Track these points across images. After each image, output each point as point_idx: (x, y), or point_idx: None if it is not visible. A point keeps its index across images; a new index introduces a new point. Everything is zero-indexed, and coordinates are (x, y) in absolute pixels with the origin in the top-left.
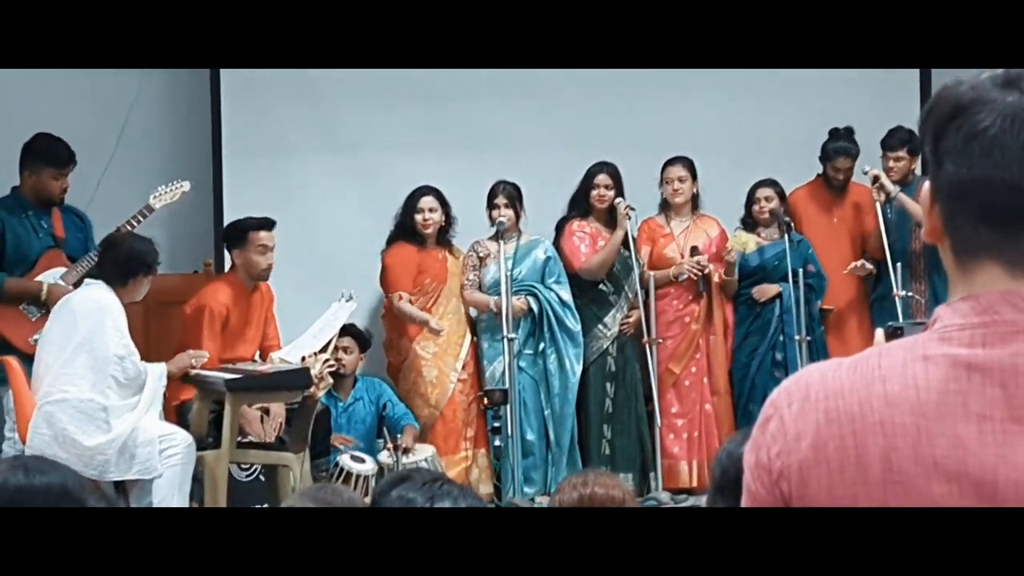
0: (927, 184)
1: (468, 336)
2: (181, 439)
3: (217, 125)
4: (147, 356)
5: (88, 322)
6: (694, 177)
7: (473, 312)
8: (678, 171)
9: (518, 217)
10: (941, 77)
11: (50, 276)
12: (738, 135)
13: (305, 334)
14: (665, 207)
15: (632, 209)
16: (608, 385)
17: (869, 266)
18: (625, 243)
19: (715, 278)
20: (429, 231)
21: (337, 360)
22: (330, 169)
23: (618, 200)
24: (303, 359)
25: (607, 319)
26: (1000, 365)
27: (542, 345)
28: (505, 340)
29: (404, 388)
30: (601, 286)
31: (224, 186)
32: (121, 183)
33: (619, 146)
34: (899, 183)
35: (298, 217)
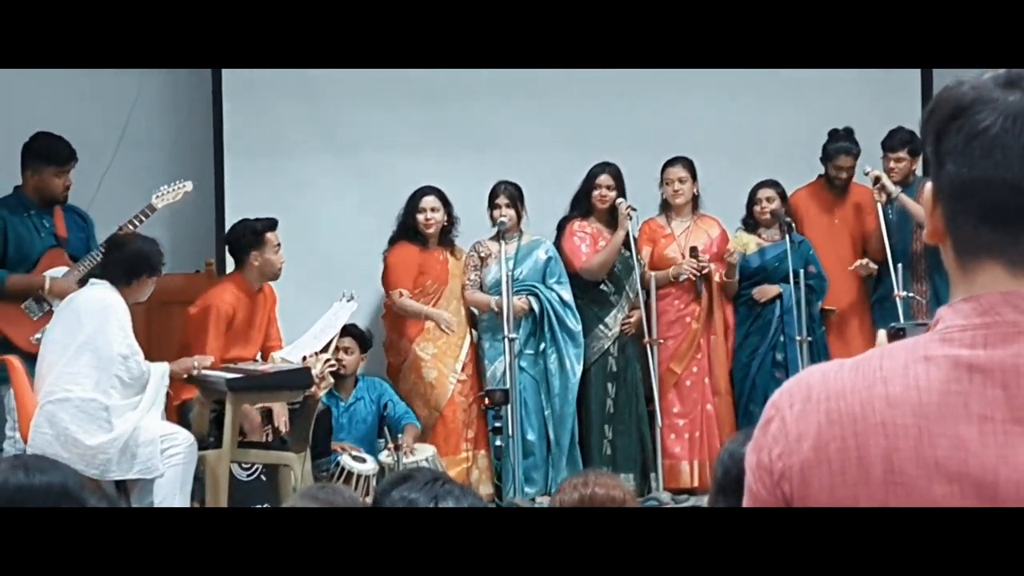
0: (929, 185)
1: (468, 337)
2: (183, 439)
3: (218, 125)
4: (148, 355)
5: (93, 321)
6: (694, 177)
7: (475, 312)
8: (678, 171)
9: (519, 217)
10: (942, 77)
11: (52, 276)
12: (738, 135)
13: (306, 334)
14: (666, 207)
15: (633, 209)
16: (609, 385)
17: (873, 265)
18: (626, 243)
19: (716, 278)
20: (431, 231)
21: (338, 360)
22: (331, 169)
23: (619, 200)
24: (304, 359)
25: (608, 319)
26: (1001, 366)
27: (543, 345)
28: (506, 340)
29: (404, 389)
30: (602, 286)
31: (225, 186)
32: (122, 183)
33: (619, 146)
34: (900, 184)
35: (299, 217)
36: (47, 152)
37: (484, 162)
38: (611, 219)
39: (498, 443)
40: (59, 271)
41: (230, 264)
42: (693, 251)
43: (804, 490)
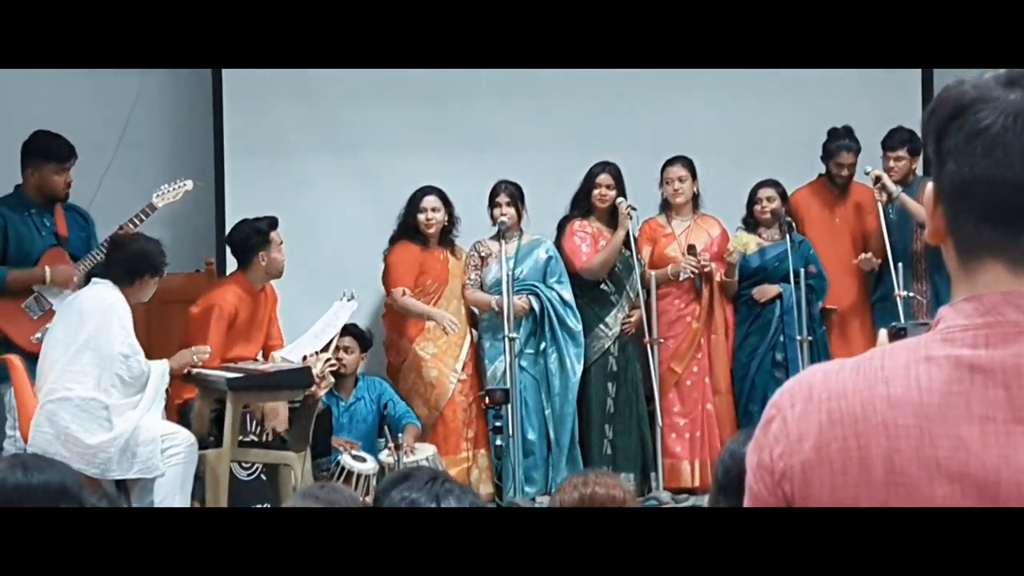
0: (930, 185)
1: (468, 337)
2: (183, 438)
3: (219, 125)
4: (148, 355)
5: (94, 320)
6: (694, 177)
7: (475, 311)
8: (678, 171)
9: (520, 216)
10: (942, 77)
11: None
12: (738, 135)
13: (307, 333)
14: (666, 207)
15: (633, 209)
16: (609, 385)
17: (876, 260)
18: (626, 243)
19: (716, 277)
20: (432, 231)
21: (338, 360)
22: (331, 169)
23: (619, 200)
24: (304, 358)
25: (608, 319)
26: (1003, 366)
27: (543, 345)
28: (506, 340)
29: (404, 388)
30: (602, 286)
31: (226, 186)
32: (123, 183)
33: (619, 146)
34: (900, 183)
35: (299, 217)
36: (47, 149)
37: (484, 162)
38: (611, 219)
39: (498, 443)
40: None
41: (230, 264)
42: (691, 249)
43: (805, 490)
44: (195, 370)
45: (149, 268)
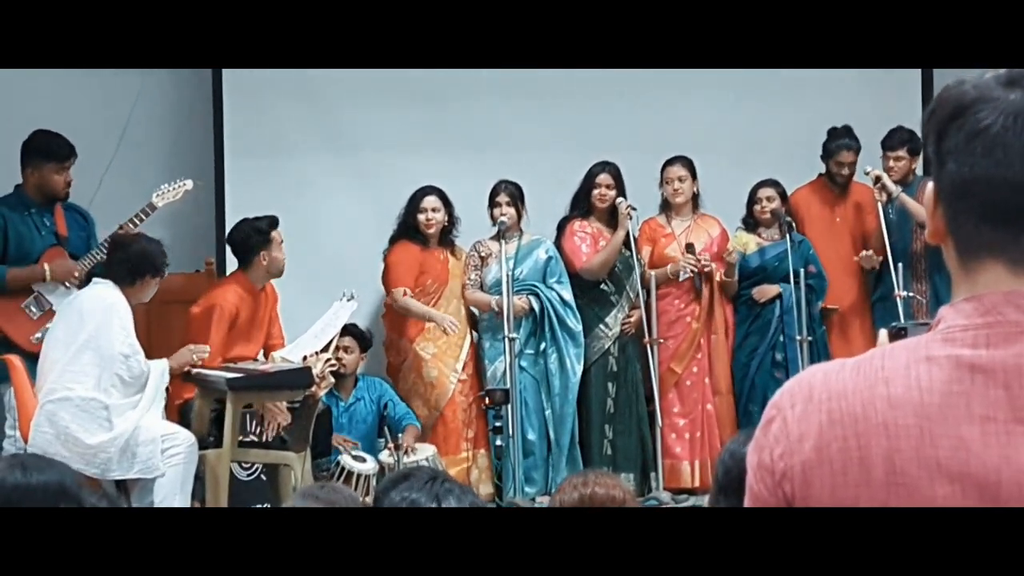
0: (931, 185)
1: (468, 337)
2: (183, 438)
3: (219, 125)
4: (148, 355)
5: (95, 320)
6: (694, 176)
7: (475, 311)
8: (678, 171)
9: (520, 216)
10: (942, 77)
11: None
12: (738, 135)
13: (306, 333)
14: (666, 207)
15: (633, 209)
16: (609, 385)
17: (877, 257)
18: (626, 243)
19: (716, 277)
20: (432, 231)
21: (338, 360)
22: (331, 169)
23: (619, 200)
24: (304, 358)
25: (608, 319)
26: (1004, 366)
27: (543, 345)
28: (506, 340)
29: (404, 388)
30: (602, 286)
31: (226, 186)
32: (123, 182)
33: (619, 146)
34: (899, 183)
35: (299, 216)
36: (46, 148)
37: (484, 162)
38: (611, 219)
39: (498, 443)
40: None
41: (230, 264)
42: (689, 247)
43: (805, 490)
44: (195, 370)
45: (150, 268)
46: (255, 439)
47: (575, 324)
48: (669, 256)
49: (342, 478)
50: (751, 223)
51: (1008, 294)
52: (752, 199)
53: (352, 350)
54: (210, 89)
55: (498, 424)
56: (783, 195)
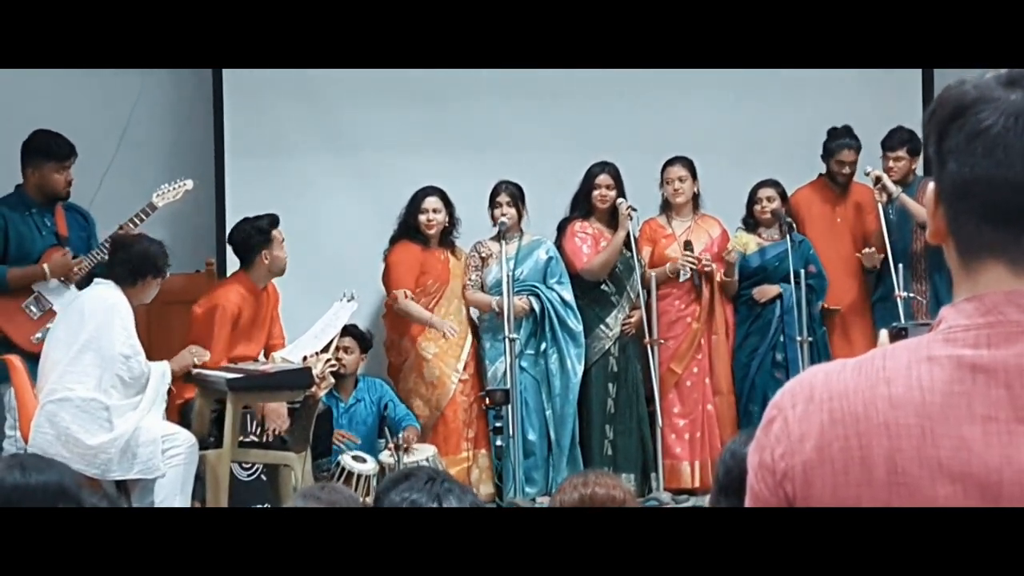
0: (931, 185)
1: (469, 336)
2: (184, 439)
3: (219, 125)
4: (149, 355)
5: (95, 320)
6: (694, 177)
7: (475, 312)
8: (678, 171)
9: (520, 217)
10: (943, 77)
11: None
12: (738, 135)
13: (307, 334)
14: (666, 207)
15: (634, 209)
16: (610, 385)
17: (879, 255)
18: (627, 243)
19: (716, 277)
20: (433, 232)
21: (338, 360)
22: (331, 169)
23: (620, 200)
24: (305, 359)
25: (609, 319)
26: (1005, 366)
27: (544, 345)
28: (507, 340)
29: (405, 389)
30: (603, 286)
31: (226, 186)
32: (123, 182)
33: (619, 146)
34: (899, 183)
35: (300, 216)
36: (46, 148)
37: (484, 162)
38: (612, 219)
39: (498, 443)
40: None
41: (231, 264)
42: (687, 245)
43: (807, 490)
44: (195, 370)
45: (152, 269)
46: (255, 439)
47: (576, 324)
48: (669, 256)
49: (342, 478)
50: (751, 223)
51: (1009, 294)
52: (752, 199)
53: (352, 351)
54: (210, 89)
55: (498, 424)
56: (783, 195)
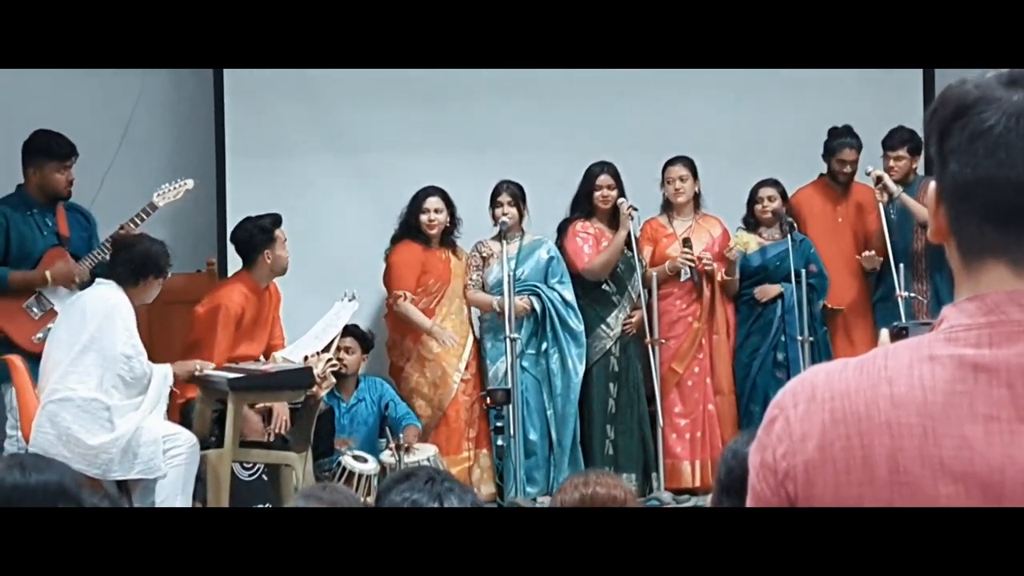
0: (933, 184)
1: (471, 336)
2: (185, 439)
3: (220, 125)
4: (150, 355)
5: (97, 320)
6: (695, 176)
7: (476, 312)
8: (679, 171)
9: (521, 217)
10: (944, 77)
11: None
12: (739, 135)
13: (307, 334)
14: (667, 207)
15: (635, 209)
16: (611, 385)
17: (879, 258)
18: (628, 243)
19: (717, 277)
20: (434, 232)
21: (339, 360)
22: (331, 169)
23: (620, 200)
24: (306, 358)
25: (610, 319)
26: (1007, 365)
27: (545, 345)
28: (508, 340)
29: (407, 389)
30: (604, 286)
31: (227, 186)
32: (124, 182)
33: (619, 146)
34: (900, 182)
35: (300, 216)
36: (47, 148)
37: (484, 162)
38: (613, 219)
39: (500, 443)
40: None
41: (231, 264)
42: (686, 242)
43: (808, 490)
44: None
45: (154, 269)
46: (257, 438)
47: (577, 324)
48: (670, 256)
49: (343, 478)
50: (752, 223)
51: (1011, 293)
52: (753, 199)
53: (353, 351)
54: (211, 89)
55: (499, 424)
56: (784, 195)
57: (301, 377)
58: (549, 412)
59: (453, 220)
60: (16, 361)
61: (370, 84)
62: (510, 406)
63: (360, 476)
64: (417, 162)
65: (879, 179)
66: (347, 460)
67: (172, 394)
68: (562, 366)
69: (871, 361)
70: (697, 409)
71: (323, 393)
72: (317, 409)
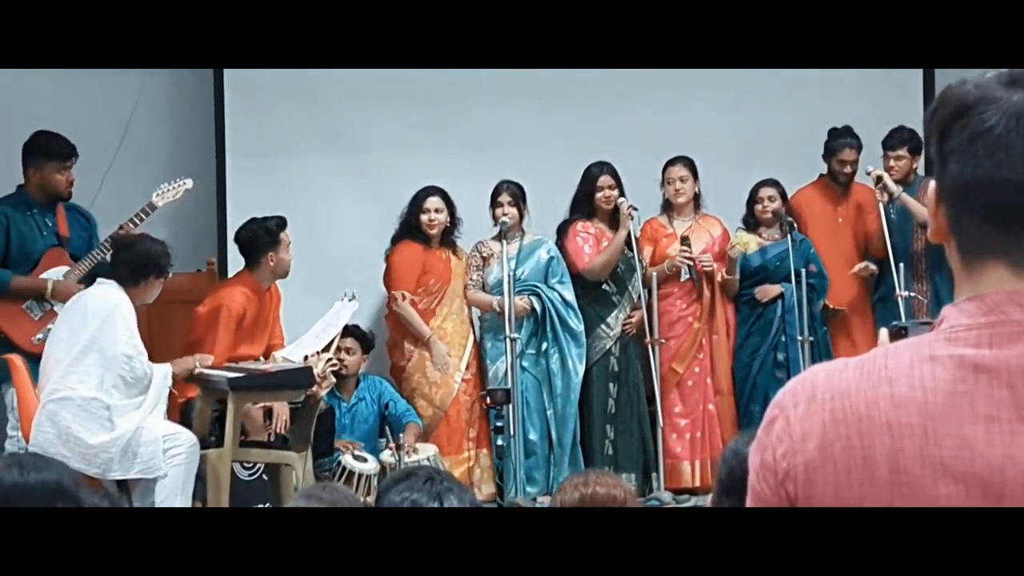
0: (933, 184)
1: (472, 336)
2: (185, 439)
3: (220, 125)
4: (150, 355)
5: (98, 320)
6: (695, 177)
7: (476, 312)
8: (679, 171)
9: (521, 217)
10: (944, 77)
11: (53, 275)
12: (739, 135)
13: (308, 333)
14: (667, 207)
15: (635, 209)
16: (611, 385)
17: (873, 267)
18: (628, 243)
19: (717, 277)
20: (434, 232)
21: (339, 360)
22: (332, 169)
23: (621, 200)
24: (306, 358)
25: (610, 319)
26: (1007, 365)
27: (545, 345)
28: (508, 340)
29: (408, 389)
30: (604, 286)
31: (227, 186)
32: (125, 182)
33: (619, 146)
34: (900, 182)
35: (300, 216)
36: (48, 148)
37: (484, 162)
38: (613, 219)
39: (500, 443)
40: (60, 271)
41: (231, 263)
42: (684, 240)
43: (809, 490)
44: (197, 370)
45: (154, 269)
46: (259, 435)
47: (577, 324)
48: (670, 256)
49: (343, 478)
50: (752, 223)
51: (1011, 293)
52: (753, 199)
53: (354, 351)
54: (211, 89)
55: (499, 424)
56: (783, 195)
57: (301, 377)
58: (549, 412)
59: (453, 220)
60: (16, 361)
61: (370, 84)
62: (510, 406)
63: (360, 476)
64: (417, 162)
65: (879, 179)
66: (347, 460)
67: (172, 394)
68: (562, 366)
69: (871, 361)
70: (697, 409)
71: (323, 393)
72: (317, 409)
